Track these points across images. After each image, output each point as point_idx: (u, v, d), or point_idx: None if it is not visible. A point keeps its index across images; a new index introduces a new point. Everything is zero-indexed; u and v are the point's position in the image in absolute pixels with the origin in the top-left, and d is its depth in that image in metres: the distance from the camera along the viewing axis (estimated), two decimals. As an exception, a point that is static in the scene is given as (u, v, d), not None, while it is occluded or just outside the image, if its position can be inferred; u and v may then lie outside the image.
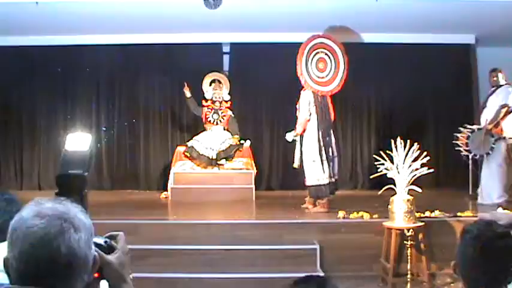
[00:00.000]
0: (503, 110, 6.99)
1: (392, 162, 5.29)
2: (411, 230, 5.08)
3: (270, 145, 9.29)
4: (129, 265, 1.37)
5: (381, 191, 5.45)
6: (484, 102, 7.45)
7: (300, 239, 5.56)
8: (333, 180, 6.51)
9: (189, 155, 7.97)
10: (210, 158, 7.88)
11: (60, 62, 8.99)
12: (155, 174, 9.18)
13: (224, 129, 8.27)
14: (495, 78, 7.27)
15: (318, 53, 6.64)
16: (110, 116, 9.28)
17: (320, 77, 6.62)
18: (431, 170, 5.28)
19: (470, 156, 7.28)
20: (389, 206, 5.27)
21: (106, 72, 9.28)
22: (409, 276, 5.07)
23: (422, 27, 8.20)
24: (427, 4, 7.24)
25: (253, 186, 7.71)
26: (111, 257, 1.32)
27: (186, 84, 8.25)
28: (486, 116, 7.15)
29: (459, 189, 8.12)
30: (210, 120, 8.26)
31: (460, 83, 9.16)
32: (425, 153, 5.23)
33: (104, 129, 9.03)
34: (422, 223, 5.30)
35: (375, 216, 5.82)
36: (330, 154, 6.47)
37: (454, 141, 7.31)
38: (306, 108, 6.54)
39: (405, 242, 5.12)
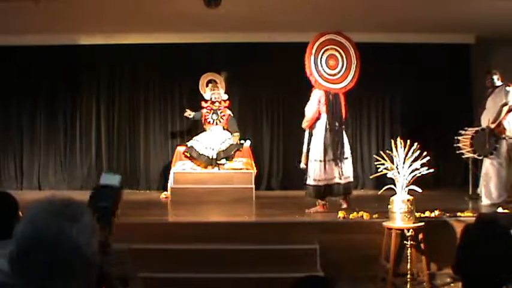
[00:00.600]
0: (505, 109, 7.00)
1: (392, 162, 5.29)
2: (411, 230, 5.08)
3: (270, 145, 9.29)
4: None
5: (381, 191, 5.45)
6: (483, 104, 7.45)
7: (300, 239, 5.55)
8: (344, 181, 6.28)
9: (189, 155, 7.98)
10: (210, 158, 7.88)
11: (60, 61, 8.98)
12: (155, 174, 9.18)
13: (224, 129, 8.27)
14: (491, 80, 7.30)
15: (327, 49, 6.37)
16: (110, 116, 9.27)
17: (331, 74, 6.35)
18: (431, 170, 5.28)
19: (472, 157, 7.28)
20: (389, 206, 5.27)
21: (106, 72, 9.28)
22: (409, 276, 5.07)
23: (422, 27, 8.20)
24: (427, 4, 7.23)
25: (253, 186, 7.70)
26: None
27: (186, 110, 8.33)
28: (487, 117, 7.16)
29: (459, 189, 8.12)
30: (209, 121, 8.26)
31: (460, 83, 9.16)
32: (425, 153, 5.23)
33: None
34: (422, 223, 5.29)
35: (375, 216, 5.81)
36: (341, 154, 6.26)
37: (455, 145, 7.28)
38: (315, 105, 6.33)
39: (405, 242, 5.13)
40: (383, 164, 5.33)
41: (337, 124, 6.32)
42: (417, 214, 5.42)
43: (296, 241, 5.52)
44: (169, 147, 9.15)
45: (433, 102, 9.14)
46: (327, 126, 6.28)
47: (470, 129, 7.22)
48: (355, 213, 5.95)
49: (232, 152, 8.02)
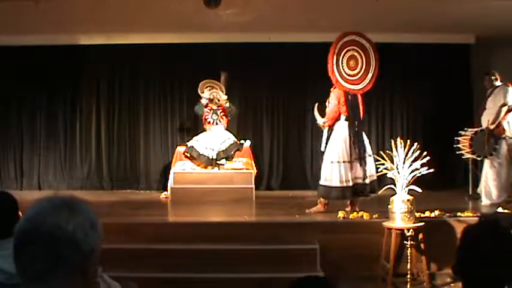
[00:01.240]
0: (504, 109, 7.00)
1: (392, 162, 5.29)
2: (411, 230, 5.08)
3: (270, 145, 9.29)
4: None
5: (381, 191, 5.44)
6: (483, 104, 7.45)
7: (300, 239, 5.55)
8: (369, 180, 6.23)
9: (189, 155, 7.98)
10: (210, 158, 7.88)
11: (60, 61, 8.98)
12: (155, 174, 9.18)
13: (224, 129, 8.27)
14: (490, 81, 7.30)
15: (348, 50, 6.40)
16: (110, 116, 9.27)
17: (351, 75, 6.38)
18: (431, 170, 5.28)
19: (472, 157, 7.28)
20: (389, 206, 5.27)
21: (106, 72, 9.28)
22: (409, 276, 5.07)
23: (422, 27, 8.19)
24: (427, 4, 7.23)
25: (253, 186, 7.70)
26: None
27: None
28: (487, 118, 7.16)
29: (459, 189, 8.12)
30: (209, 121, 8.26)
31: (460, 83, 9.15)
32: (425, 153, 5.23)
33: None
34: (422, 223, 5.29)
35: (375, 216, 5.81)
36: (364, 153, 6.26)
37: (455, 145, 7.28)
38: (335, 105, 6.33)
39: (405, 242, 5.13)
40: (383, 164, 5.33)
41: (357, 124, 6.34)
42: (417, 214, 5.43)
43: (296, 241, 5.52)
44: (169, 147, 9.15)
45: (433, 102, 9.14)
46: (347, 127, 6.27)
47: (469, 129, 7.22)
48: (355, 213, 5.96)
49: (232, 152, 8.02)
